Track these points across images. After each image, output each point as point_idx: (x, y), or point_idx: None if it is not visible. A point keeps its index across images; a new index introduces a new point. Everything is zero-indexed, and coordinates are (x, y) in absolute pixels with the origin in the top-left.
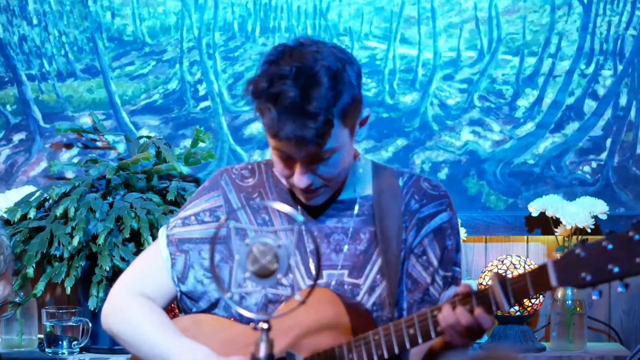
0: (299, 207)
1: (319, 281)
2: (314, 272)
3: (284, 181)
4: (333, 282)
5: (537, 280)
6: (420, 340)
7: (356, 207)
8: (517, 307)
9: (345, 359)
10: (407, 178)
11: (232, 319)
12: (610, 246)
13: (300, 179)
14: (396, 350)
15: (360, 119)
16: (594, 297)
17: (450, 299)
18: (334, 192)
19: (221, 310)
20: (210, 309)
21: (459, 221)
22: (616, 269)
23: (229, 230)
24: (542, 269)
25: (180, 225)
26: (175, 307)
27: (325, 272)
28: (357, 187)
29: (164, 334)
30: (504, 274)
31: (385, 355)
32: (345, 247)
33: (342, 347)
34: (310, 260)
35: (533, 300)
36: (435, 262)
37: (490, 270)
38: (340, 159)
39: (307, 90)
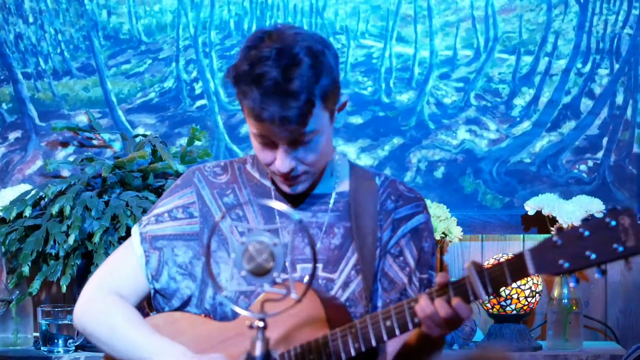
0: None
1: (294, 275)
2: (287, 265)
3: (264, 171)
4: (307, 276)
5: (514, 268)
6: (397, 332)
7: (331, 202)
8: (506, 302)
9: (321, 352)
10: (383, 179)
11: (204, 316)
12: (587, 232)
13: (282, 163)
14: (373, 343)
15: (338, 105)
16: (571, 285)
17: (428, 290)
18: (313, 182)
19: (193, 307)
20: (182, 306)
21: (455, 220)
22: (593, 256)
23: (202, 227)
24: (519, 257)
25: (153, 223)
26: (146, 306)
27: (299, 266)
28: (333, 183)
29: (139, 333)
30: (481, 263)
31: (362, 348)
32: (319, 240)
33: (318, 340)
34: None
35: (529, 299)
36: (412, 263)
37: None
38: (321, 143)
39: (288, 70)
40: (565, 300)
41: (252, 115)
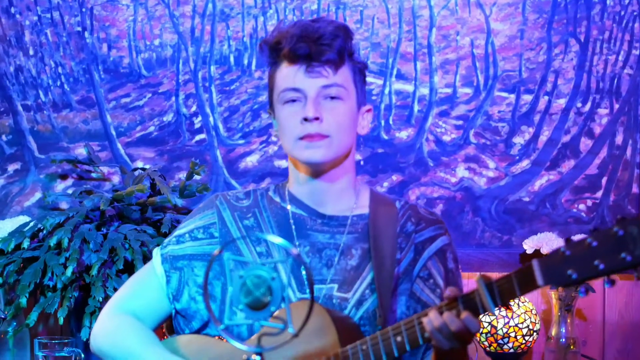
0: (293, 226)
1: (307, 294)
2: (306, 284)
3: (285, 195)
4: (322, 296)
5: (523, 280)
6: (407, 347)
7: (348, 224)
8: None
9: None
10: (403, 203)
11: (217, 338)
12: (595, 243)
13: (309, 108)
14: (384, 359)
15: (366, 102)
16: (580, 295)
17: (437, 305)
18: (333, 159)
19: (212, 329)
20: (202, 328)
21: None
22: (602, 266)
23: (221, 247)
24: (527, 269)
25: (174, 243)
26: (165, 330)
27: (315, 287)
28: (352, 206)
29: (153, 353)
30: (490, 276)
31: None
32: (336, 261)
33: (330, 359)
34: (304, 273)
35: (527, 338)
36: (441, 284)
37: None
38: (344, 113)
39: (320, 23)
40: (563, 340)
41: (288, 57)
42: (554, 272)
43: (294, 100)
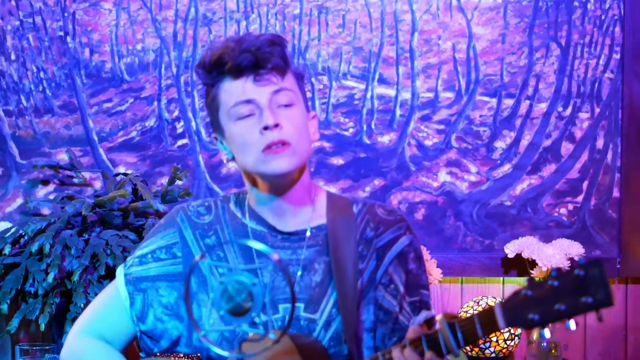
0: (250, 239)
1: (275, 316)
2: (278, 306)
3: (245, 208)
4: (287, 317)
5: (485, 322)
6: None
7: (307, 236)
8: (479, 349)
9: None
10: (361, 206)
11: (187, 357)
12: (556, 283)
13: (269, 116)
14: None
15: (309, 108)
16: (546, 337)
17: (402, 342)
18: (297, 167)
19: (183, 347)
20: (172, 347)
21: (435, 262)
22: (563, 307)
23: (185, 268)
24: (489, 311)
25: (137, 264)
26: (137, 347)
27: (280, 306)
28: (310, 218)
29: None
30: (453, 315)
31: None
32: (298, 276)
33: None
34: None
35: (509, 342)
36: (401, 289)
37: (466, 312)
38: (298, 118)
39: (252, 34)
40: (544, 344)
41: (233, 71)
42: (516, 315)
43: (247, 116)
